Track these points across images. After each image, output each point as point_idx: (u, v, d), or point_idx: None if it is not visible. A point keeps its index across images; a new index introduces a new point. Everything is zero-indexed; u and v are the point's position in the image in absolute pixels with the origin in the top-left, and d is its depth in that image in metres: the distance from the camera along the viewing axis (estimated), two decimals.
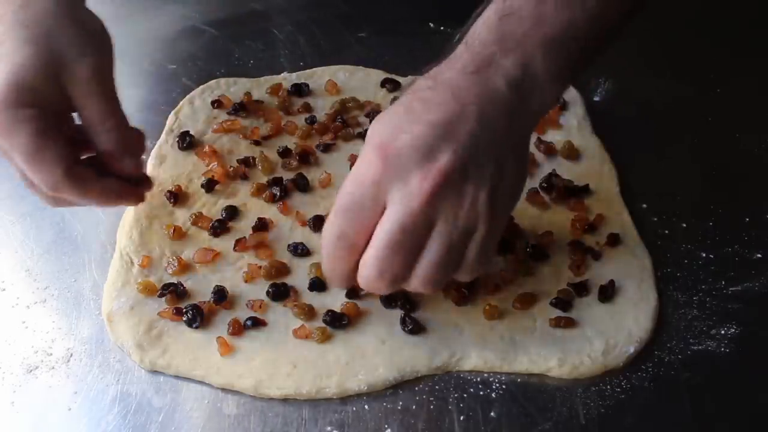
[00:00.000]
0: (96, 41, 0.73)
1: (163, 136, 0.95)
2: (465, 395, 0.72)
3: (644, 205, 0.88)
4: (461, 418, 0.70)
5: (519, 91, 0.64)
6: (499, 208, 0.65)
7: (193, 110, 0.99)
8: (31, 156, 0.67)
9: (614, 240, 0.82)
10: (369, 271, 0.64)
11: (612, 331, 0.75)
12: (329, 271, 0.70)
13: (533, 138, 0.94)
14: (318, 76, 1.04)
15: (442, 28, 1.13)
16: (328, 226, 0.67)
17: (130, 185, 0.78)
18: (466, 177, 0.62)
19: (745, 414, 0.71)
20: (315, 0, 1.19)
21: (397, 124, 0.64)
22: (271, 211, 0.87)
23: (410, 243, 0.63)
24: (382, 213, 0.63)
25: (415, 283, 0.66)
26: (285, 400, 0.72)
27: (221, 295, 0.78)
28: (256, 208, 0.87)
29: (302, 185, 0.89)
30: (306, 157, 0.92)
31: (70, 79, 0.69)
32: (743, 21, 1.15)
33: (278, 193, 0.88)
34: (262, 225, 0.85)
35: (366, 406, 0.72)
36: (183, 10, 1.17)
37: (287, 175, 0.90)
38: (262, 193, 0.88)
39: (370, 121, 0.96)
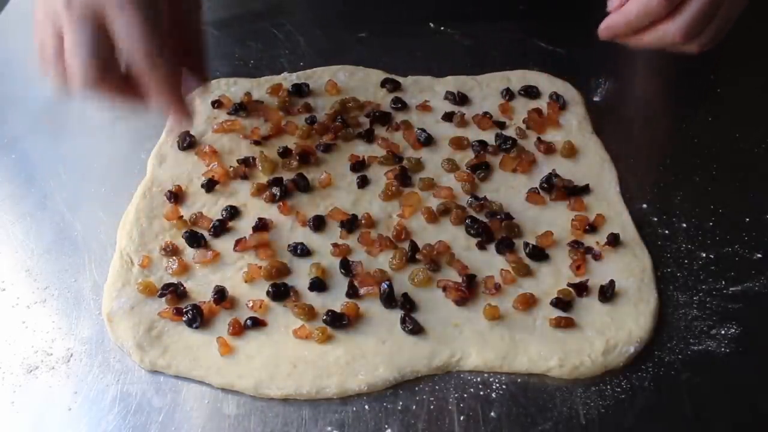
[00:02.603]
0: None
1: (163, 135, 0.96)
2: (465, 395, 0.72)
3: (644, 205, 0.88)
4: (461, 418, 0.70)
5: None
6: None
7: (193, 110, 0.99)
8: (143, 26, 0.72)
9: (614, 240, 0.82)
10: (681, 29, 0.81)
11: (612, 331, 0.75)
12: (633, 17, 0.82)
13: (533, 138, 0.94)
14: (318, 76, 1.04)
15: (442, 28, 1.13)
16: None
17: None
18: None
19: (745, 414, 0.71)
20: (315, 0, 1.19)
21: None
22: (271, 211, 0.87)
23: (713, 13, 0.83)
24: None
25: (699, 42, 0.85)
26: (285, 400, 0.72)
27: (221, 295, 0.78)
28: (256, 208, 0.87)
29: (302, 185, 0.89)
30: (306, 157, 0.92)
31: None
32: (743, 21, 1.15)
33: (278, 193, 0.88)
34: (262, 225, 0.85)
35: (366, 406, 0.72)
36: None
37: (287, 175, 0.90)
38: (262, 193, 0.88)
39: (370, 122, 0.97)
